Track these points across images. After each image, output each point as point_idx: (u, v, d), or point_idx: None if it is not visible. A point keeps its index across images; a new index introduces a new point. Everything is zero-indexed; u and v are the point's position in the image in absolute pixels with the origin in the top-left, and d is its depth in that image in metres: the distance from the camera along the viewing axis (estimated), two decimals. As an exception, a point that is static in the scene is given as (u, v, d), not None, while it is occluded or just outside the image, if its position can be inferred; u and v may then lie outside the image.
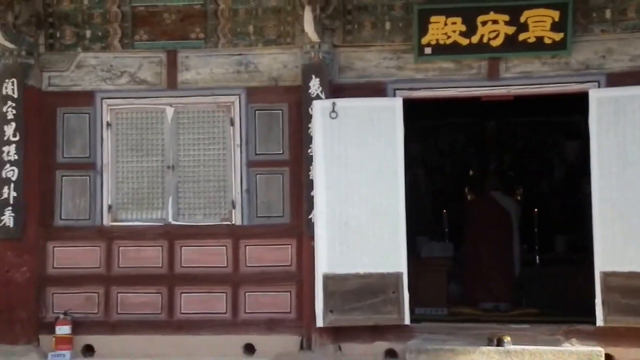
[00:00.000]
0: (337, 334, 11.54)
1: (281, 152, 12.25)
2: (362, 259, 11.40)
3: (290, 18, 12.15)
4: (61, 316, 12.01)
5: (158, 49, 12.57)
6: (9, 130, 12.33)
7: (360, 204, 11.46)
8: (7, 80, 12.39)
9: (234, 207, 12.28)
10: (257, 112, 12.31)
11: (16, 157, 12.31)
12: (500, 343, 10.72)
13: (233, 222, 12.29)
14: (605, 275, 10.87)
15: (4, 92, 12.42)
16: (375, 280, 11.35)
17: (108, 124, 12.57)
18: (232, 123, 12.34)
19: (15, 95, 12.36)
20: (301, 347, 11.67)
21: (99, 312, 12.34)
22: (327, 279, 11.42)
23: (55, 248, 12.49)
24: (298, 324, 11.82)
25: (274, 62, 12.30)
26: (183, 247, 12.33)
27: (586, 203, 11.92)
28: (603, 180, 10.99)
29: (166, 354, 11.37)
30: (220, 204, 12.39)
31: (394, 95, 11.88)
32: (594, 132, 11.08)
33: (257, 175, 12.28)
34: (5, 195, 12.29)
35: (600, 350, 10.55)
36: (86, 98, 12.59)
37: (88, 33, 12.63)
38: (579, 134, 12.19)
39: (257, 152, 12.30)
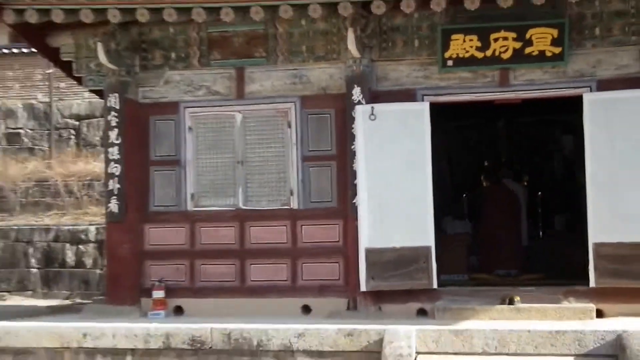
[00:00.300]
0: (378, 296, 11.73)
1: (329, 148, 12.45)
2: (397, 235, 11.57)
3: (336, 38, 12.29)
4: (157, 283, 12.42)
5: (229, 66, 12.80)
6: (113, 134, 12.72)
7: (396, 190, 11.62)
8: (110, 95, 12.78)
9: (292, 194, 12.52)
10: (309, 116, 12.52)
11: (118, 156, 12.68)
12: (511, 302, 10.94)
13: (291, 207, 12.51)
14: (597, 245, 11.05)
15: (108, 104, 12.81)
16: (409, 253, 11.54)
17: (190, 128, 12.88)
18: (289, 125, 12.56)
19: (117, 107, 12.74)
20: (348, 307, 11.90)
21: (186, 280, 12.71)
22: (369, 252, 11.63)
23: (150, 229, 12.92)
24: (345, 289, 12.05)
25: (323, 75, 12.49)
26: (251, 227, 12.62)
27: (581, 187, 11.98)
28: (595, 168, 11.16)
29: (239, 314, 11.52)
30: (280, 192, 12.61)
31: (422, 100, 11.99)
32: (587, 129, 11.25)
33: (310, 168, 12.49)
34: (110, 187, 12.69)
35: (592, 306, 10.75)
36: (172, 107, 12.94)
37: (173, 55, 12.95)
38: (574, 130, 12.27)
39: (310, 149, 12.50)
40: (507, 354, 9.41)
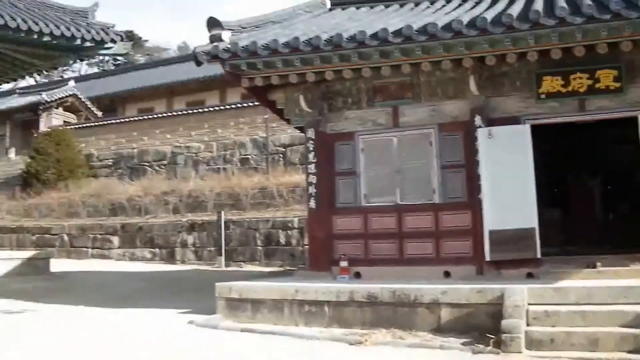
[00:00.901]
0: (498, 264, 11.21)
1: (460, 159, 11.98)
2: (511, 220, 11.03)
3: (461, 82, 11.82)
4: (342, 256, 12.21)
5: (387, 105, 12.50)
6: (311, 156, 12.73)
7: (508, 187, 11.12)
8: (309, 129, 12.82)
9: (434, 192, 12.07)
10: (445, 137, 12.10)
11: (314, 170, 12.63)
12: (594, 266, 10.48)
13: (434, 202, 12.07)
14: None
15: (307, 135, 12.84)
16: (519, 232, 11.00)
17: (362, 149, 12.62)
18: (431, 144, 12.14)
19: (313, 137, 12.72)
20: (476, 272, 11.42)
21: (362, 254, 12.39)
22: (491, 232, 11.17)
23: (336, 219, 12.66)
24: (474, 259, 11.55)
25: (453, 108, 12.05)
26: (406, 217, 12.20)
27: (638, 182, 11.33)
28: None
29: (399, 278, 11.15)
30: (426, 191, 12.15)
31: (525, 123, 11.50)
32: (643, 139, 10.70)
33: (447, 174, 12.04)
34: (310, 191, 12.67)
35: (651, 267, 10.13)
36: (349, 136, 12.72)
37: (349, 100, 12.76)
38: (632, 141, 11.60)
39: (446, 160, 12.06)
40: (592, 304, 8.96)
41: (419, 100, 12.31)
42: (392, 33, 10.66)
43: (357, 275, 12.23)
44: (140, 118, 36.11)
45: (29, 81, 51.31)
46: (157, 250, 24.41)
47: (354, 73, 11.58)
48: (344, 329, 9.76)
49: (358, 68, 11.44)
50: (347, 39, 10.87)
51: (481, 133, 11.44)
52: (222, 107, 33.38)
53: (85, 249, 25.97)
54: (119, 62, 63.95)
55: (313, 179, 12.69)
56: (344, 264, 12.12)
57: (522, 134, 11.31)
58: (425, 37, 10.52)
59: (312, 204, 12.69)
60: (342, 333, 9.49)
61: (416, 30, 10.53)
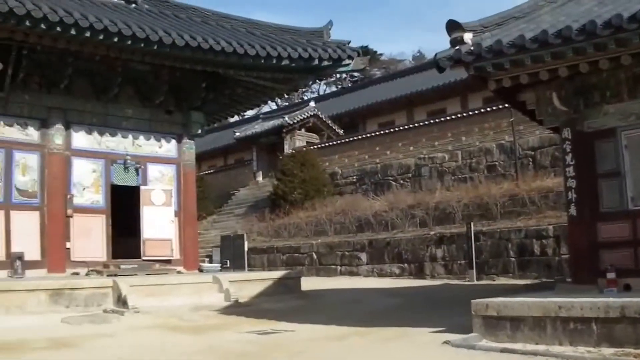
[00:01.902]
0: None
1: None
2: None
3: None
4: (609, 267, 11.36)
5: (652, 95, 11.49)
6: (568, 158, 12.05)
7: None
8: (564, 129, 12.19)
9: None
10: None
11: (573, 173, 11.94)
12: None
13: None
14: None
15: (563, 136, 12.22)
16: None
17: (625, 146, 11.71)
18: None
19: (570, 137, 12.06)
20: None
21: (631, 263, 11.40)
22: None
23: (601, 225, 11.80)
24: None
25: None
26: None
27: None
28: None
29: None
30: None
31: None
32: None
33: None
34: (569, 197, 12.03)
35: None
36: (610, 132, 11.85)
37: (607, 93, 11.87)
38: None
39: None
40: None
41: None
42: (654, 12, 9.75)
43: (627, 287, 11.24)
44: (382, 132, 37.15)
45: (271, 105, 55.21)
46: (405, 265, 24.78)
47: (611, 63, 10.72)
48: (614, 349, 9.00)
49: (616, 57, 10.59)
50: (601, 25, 10.15)
51: None
52: (464, 114, 33.28)
53: (333, 266, 27.11)
54: (356, 78, 66.36)
55: (572, 182, 12.00)
56: (611, 275, 11.26)
57: None
58: (696, 11, 9.50)
59: (572, 210, 12.01)
60: (612, 353, 8.79)
61: (684, 5, 9.56)
